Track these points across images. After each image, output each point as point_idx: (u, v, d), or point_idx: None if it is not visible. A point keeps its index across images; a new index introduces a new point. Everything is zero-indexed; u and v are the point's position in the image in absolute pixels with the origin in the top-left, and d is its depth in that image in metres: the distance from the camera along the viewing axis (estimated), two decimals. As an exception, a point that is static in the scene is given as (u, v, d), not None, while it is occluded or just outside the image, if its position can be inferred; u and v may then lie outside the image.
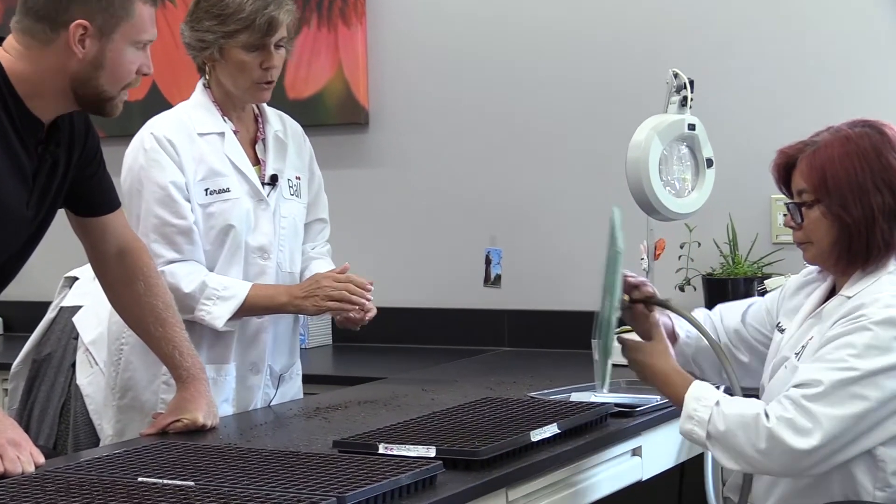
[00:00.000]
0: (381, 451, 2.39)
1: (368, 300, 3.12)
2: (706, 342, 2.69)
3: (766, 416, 2.35)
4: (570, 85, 4.29)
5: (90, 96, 2.47)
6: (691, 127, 3.32)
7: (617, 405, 2.85)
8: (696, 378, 2.52)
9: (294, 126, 3.30)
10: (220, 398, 3.08)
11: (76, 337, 3.48)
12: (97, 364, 3.38)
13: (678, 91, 3.32)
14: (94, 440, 3.31)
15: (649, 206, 3.27)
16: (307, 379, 3.42)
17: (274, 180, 3.18)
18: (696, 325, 2.70)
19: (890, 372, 2.32)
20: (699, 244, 4.03)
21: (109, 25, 2.42)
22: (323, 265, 3.27)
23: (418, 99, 4.53)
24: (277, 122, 3.25)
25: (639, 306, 2.68)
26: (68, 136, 2.57)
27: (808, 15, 4.00)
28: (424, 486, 2.22)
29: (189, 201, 3.06)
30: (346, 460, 2.28)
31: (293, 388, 3.31)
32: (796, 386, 2.35)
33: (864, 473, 2.39)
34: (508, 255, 4.14)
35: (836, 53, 3.96)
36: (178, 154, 3.06)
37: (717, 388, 2.52)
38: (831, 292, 2.53)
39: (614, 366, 2.61)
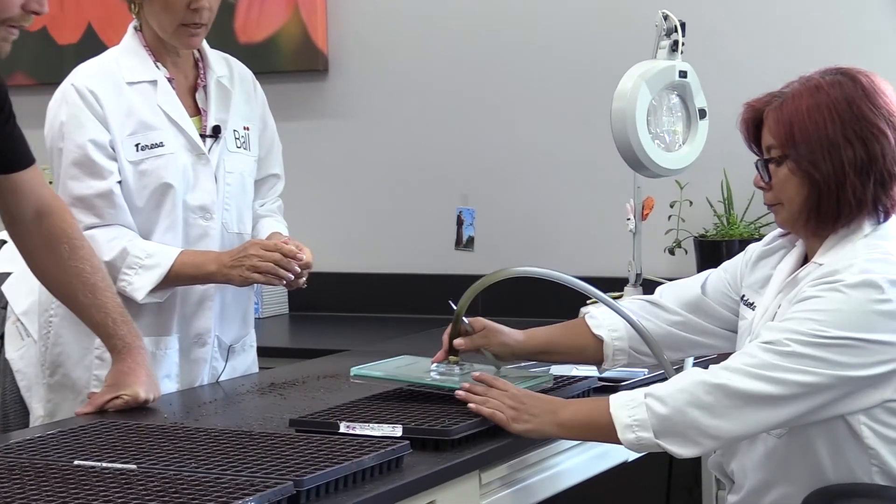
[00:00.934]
0: (342, 430, 2.40)
1: (298, 271, 3.08)
2: (636, 330, 2.68)
3: (714, 374, 2.35)
4: (551, 27, 4.28)
5: None
6: (682, 74, 3.31)
7: (601, 379, 2.87)
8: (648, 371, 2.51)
9: (242, 71, 3.28)
10: (162, 374, 3.07)
11: (5, 306, 3.46)
12: (30, 336, 3.37)
13: (668, 35, 3.32)
14: (26, 420, 3.30)
15: (636, 161, 3.27)
16: (261, 351, 3.42)
17: (216, 132, 3.16)
18: (605, 301, 2.68)
19: (862, 341, 2.33)
20: (691, 203, 4.04)
21: None
22: (272, 224, 3.25)
23: (382, 43, 4.52)
24: (222, 66, 3.22)
25: (458, 341, 2.73)
26: None
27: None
28: (390, 469, 2.23)
29: (115, 160, 3.04)
30: (304, 441, 2.29)
31: (245, 362, 3.31)
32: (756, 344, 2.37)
33: (855, 457, 2.41)
34: (482, 215, 4.13)
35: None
36: (103, 107, 3.04)
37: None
38: (804, 260, 2.53)
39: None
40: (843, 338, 2.33)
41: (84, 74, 3.07)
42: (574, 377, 2.84)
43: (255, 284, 3.14)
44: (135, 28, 3.14)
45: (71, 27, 4.80)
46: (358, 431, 2.39)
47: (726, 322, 2.72)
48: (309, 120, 4.59)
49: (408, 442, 2.29)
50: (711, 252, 3.90)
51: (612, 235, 4.02)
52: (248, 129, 3.23)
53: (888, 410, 2.39)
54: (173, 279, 3.05)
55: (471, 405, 2.50)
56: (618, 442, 2.40)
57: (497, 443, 2.45)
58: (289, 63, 4.59)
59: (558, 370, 3.00)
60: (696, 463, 3.33)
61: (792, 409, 2.34)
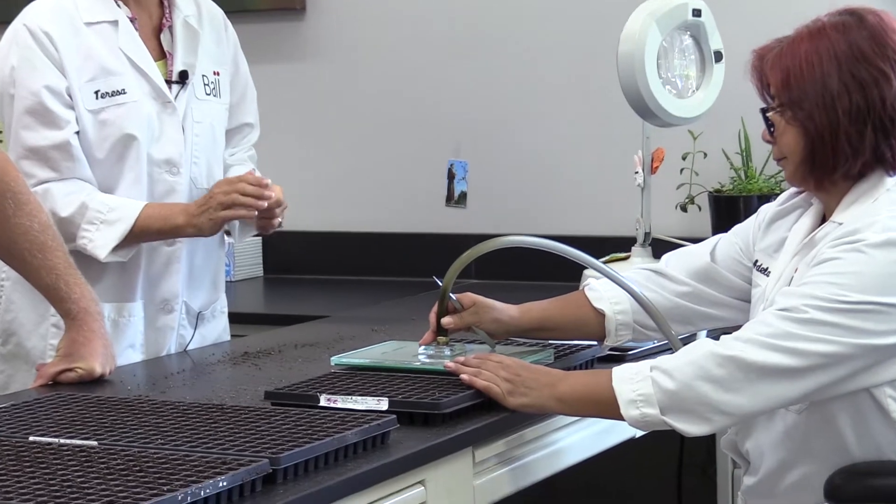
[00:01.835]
0: (322, 403, 2.41)
1: (270, 196, 3.03)
2: (638, 303, 2.69)
3: (726, 345, 2.35)
4: (550, -39, 4.27)
5: None
6: (696, 13, 3.31)
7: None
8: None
9: (212, 9, 3.27)
10: (125, 344, 3.09)
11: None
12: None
13: (680, -31, 3.32)
14: (-24, 393, 3.31)
15: (645, 109, 3.28)
16: (233, 318, 3.43)
17: (183, 77, 3.15)
18: (607, 272, 2.69)
19: (887, 305, 2.33)
20: (705, 155, 4.05)
21: None
22: (242, 172, 3.22)
23: (366, -22, 4.51)
24: (189, 5, 3.21)
25: (446, 319, 2.73)
26: None
27: None
28: (375, 445, 2.24)
29: (73, 108, 3.03)
30: (281, 415, 2.29)
31: (216, 330, 3.32)
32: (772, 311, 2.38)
33: (881, 432, 2.42)
34: (475, 168, 4.13)
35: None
36: (58, 50, 3.03)
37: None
38: (822, 220, 2.54)
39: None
40: (865, 302, 2.33)
41: (37, 13, 3.07)
42: (577, 345, 2.84)
43: (228, 243, 3.14)
44: (94, -38, 3.13)
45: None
46: (340, 405, 2.39)
47: (739, 291, 2.73)
48: (285, 63, 4.58)
49: (394, 416, 2.30)
50: (727, 209, 3.90)
51: (618, 190, 4.02)
52: (218, 73, 3.23)
53: None
54: (138, 234, 3.05)
55: (463, 377, 2.50)
56: (621, 418, 2.41)
57: (492, 417, 2.46)
58: (263, 2, 4.58)
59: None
60: (710, 439, 3.34)
61: (811, 381, 2.35)
